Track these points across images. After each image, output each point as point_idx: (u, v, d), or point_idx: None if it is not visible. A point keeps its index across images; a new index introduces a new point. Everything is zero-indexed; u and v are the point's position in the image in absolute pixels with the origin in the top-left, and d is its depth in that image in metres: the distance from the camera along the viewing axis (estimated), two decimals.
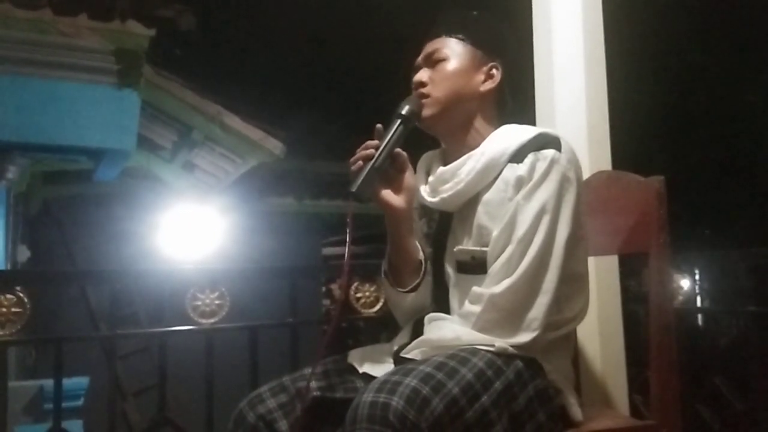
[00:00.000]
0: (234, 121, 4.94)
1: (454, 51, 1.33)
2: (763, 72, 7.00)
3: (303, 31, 7.41)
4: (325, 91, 8.06)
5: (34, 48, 3.50)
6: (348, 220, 1.24)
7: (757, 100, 7.13)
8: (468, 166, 1.27)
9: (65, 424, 1.73)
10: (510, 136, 1.28)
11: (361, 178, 1.22)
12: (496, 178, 1.26)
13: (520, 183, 1.22)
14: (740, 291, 2.08)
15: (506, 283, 1.18)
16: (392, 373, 1.08)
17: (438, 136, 1.39)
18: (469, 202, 1.28)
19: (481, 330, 1.18)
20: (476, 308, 1.19)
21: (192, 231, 5.68)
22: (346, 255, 1.24)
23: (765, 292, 2.06)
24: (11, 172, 3.84)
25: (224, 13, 7.31)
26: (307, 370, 1.25)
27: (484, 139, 1.31)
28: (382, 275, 1.40)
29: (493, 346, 1.16)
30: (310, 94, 7.79)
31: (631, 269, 2.07)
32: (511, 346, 1.17)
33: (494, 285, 1.19)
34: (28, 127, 3.53)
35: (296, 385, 1.24)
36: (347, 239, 1.24)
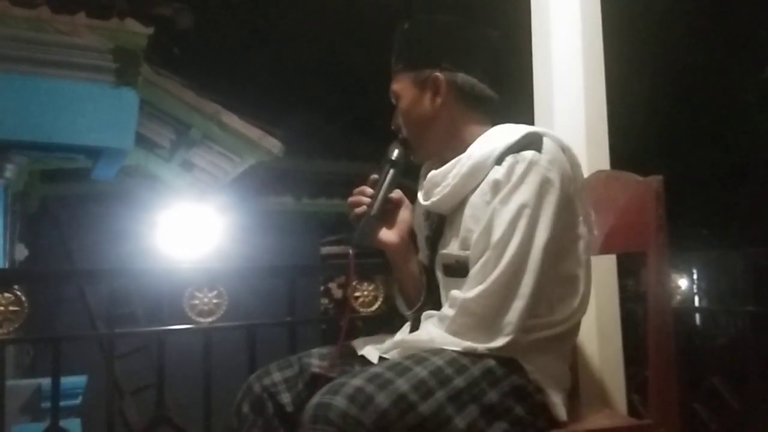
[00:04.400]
0: (232, 120, 4.93)
1: (400, 85, 1.35)
2: (760, 72, 7.01)
3: (301, 30, 7.40)
4: (324, 90, 8.05)
5: (31, 46, 3.49)
6: (350, 266, 1.36)
7: (755, 100, 7.14)
8: (455, 169, 1.28)
9: (63, 423, 1.73)
10: (497, 138, 1.27)
11: (361, 230, 1.31)
12: (482, 181, 1.26)
13: (497, 186, 1.22)
14: (738, 291, 2.08)
15: (479, 288, 1.18)
16: (344, 377, 1.11)
17: (434, 158, 1.40)
18: (459, 205, 1.29)
19: (454, 334, 1.19)
20: (451, 312, 1.20)
21: (190, 230, 5.67)
22: (346, 294, 1.31)
23: (763, 292, 2.07)
24: (9, 171, 3.84)
25: (223, 12, 7.30)
26: (315, 350, 1.33)
27: (473, 141, 1.31)
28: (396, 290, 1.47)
29: (460, 346, 1.17)
30: (309, 94, 7.78)
31: (629, 268, 2.07)
32: (486, 350, 1.17)
33: (469, 290, 1.19)
34: (26, 125, 3.52)
35: (302, 362, 1.30)
36: (349, 280, 1.39)
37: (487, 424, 1.13)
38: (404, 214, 1.38)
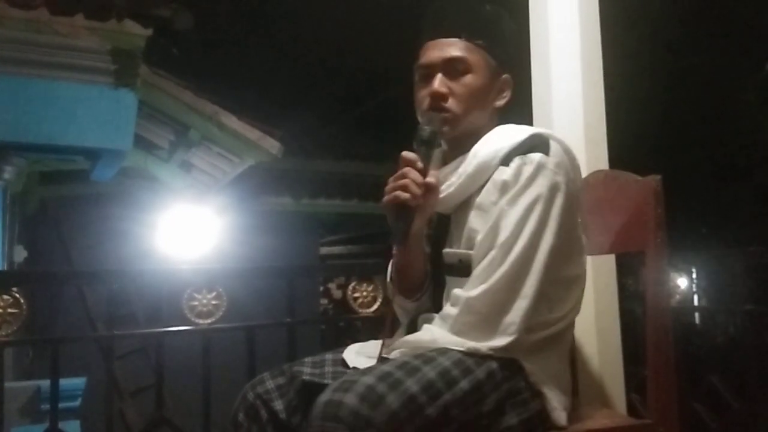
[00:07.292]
0: (231, 121, 4.93)
1: (476, 61, 1.29)
2: (759, 71, 7.01)
3: (300, 31, 7.40)
4: (323, 90, 8.05)
5: (30, 48, 3.48)
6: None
7: (754, 100, 7.14)
8: (460, 169, 1.28)
9: (62, 425, 1.73)
10: (502, 138, 1.27)
11: (404, 227, 1.24)
12: (488, 181, 1.25)
13: (504, 187, 1.22)
14: (737, 290, 2.09)
15: (483, 287, 1.18)
16: (353, 373, 1.10)
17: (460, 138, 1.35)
18: (463, 204, 1.29)
19: (457, 333, 1.18)
20: (454, 311, 1.20)
21: (189, 231, 5.67)
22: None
23: (762, 291, 2.07)
24: (8, 172, 3.83)
25: (221, 13, 7.29)
26: (307, 358, 1.32)
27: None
28: (388, 280, 1.41)
29: (464, 347, 1.16)
30: (308, 94, 7.78)
31: (628, 268, 2.08)
32: (488, 350, 1.16)
33: (473, 288, 1.19)
34: (25, 127, 3.52)
35: (293, 370, 1.29)
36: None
37: (480, 430, 1.12)
38: (433, 199, 1.28)
